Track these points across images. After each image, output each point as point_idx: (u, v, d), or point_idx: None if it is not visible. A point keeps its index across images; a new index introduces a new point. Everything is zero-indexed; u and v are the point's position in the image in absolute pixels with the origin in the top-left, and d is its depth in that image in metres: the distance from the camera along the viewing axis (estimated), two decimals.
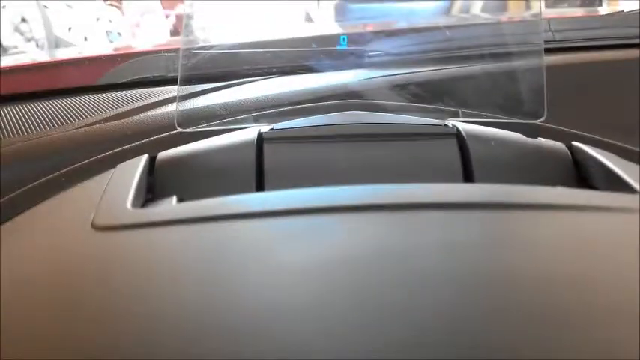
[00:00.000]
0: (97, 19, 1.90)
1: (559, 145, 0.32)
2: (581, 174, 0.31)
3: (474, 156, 0.30)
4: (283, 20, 0.57)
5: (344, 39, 0.43)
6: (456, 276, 0.18)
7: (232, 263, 0.19)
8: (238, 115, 0.39)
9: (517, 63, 0.39)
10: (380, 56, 0.47)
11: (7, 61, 0.72)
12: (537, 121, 0.35)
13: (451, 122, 0.33)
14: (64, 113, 0.44)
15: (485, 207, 0.22)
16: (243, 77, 0.48)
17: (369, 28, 0.56)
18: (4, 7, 1.74)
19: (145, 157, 0.31)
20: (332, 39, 0.46)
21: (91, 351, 0.16)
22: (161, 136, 0.38)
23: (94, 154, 0.37)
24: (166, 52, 0.55)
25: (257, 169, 0.30)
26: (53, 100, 0.47)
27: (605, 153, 0.30)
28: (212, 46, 0.46)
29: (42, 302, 0.19)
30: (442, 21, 0.58)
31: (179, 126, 0.36)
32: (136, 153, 0.33)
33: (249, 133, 0.32)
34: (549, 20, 0.56)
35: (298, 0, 0.60)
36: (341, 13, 0.62)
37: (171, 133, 0.38)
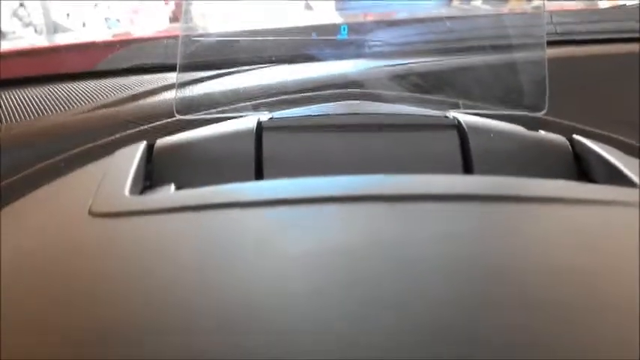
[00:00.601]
0: (95, 5, 1.89)
1: (560, 138, 0.32)
2: (582, 167, 0.31)
3: (474, 148, 0.30)
4: (283, 8, 0.57)
5: (344, 28, 0.43)
6: (454, 268, 0.17)
7: (230, 251, 0.19)
8: (238, 103, 0.39)
9: (519, 55, 0.39)
10: (380, 46, 0.47)
11: (5, 46, 0.72)
12: (538, 114, 0.35)
13: (452, 114, 0.33)
14: (62, 99, 0.44)
15: (485, 199, 0.22)
16: (242, 65, 0.48)
17: (370, 18, 0.56)
18: None
19: (143, 144, 0.31)
20: (332, 28, 0.46)
21: (86, 337, 0.16)
22: (160, 123, 0.38)
23: (92, 141, 0.37)
24: (165, 38, 0.54)
25: (256, 157, 0.30)
26: (51, 86, 0.47)
27: (606, 146, 0.30)
28: (211, 34, 0.45)
29: (39, 288, 0.19)
30: (443, 12, 0.58)
31: (178, 113, 0.36)
32: (134, 140, 0.32)
33: (248, 122, 0.31)
34: (551, 13, 0.55)
35: None
36: (342, 2, 0.62)
37: (170, 120, 0.38)
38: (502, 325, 0.15)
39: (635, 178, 0.25)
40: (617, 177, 0.27)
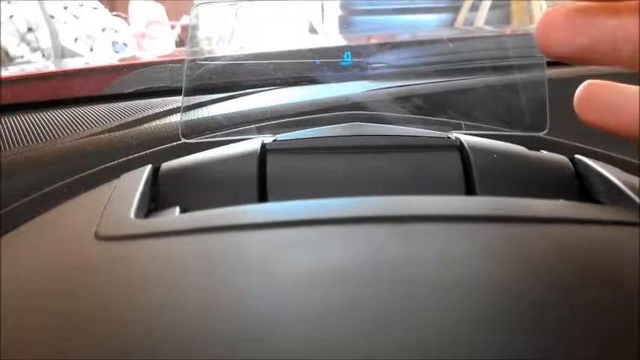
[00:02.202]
0: (103, 30, 1.92)
1: (561, 157, 0.32)
2: (584, 187, 0.31)
3: (476, 168, 0.30)
4: (287, 32, 0.57)
5: (348, 55, 0.44)
6: (458, 289, 0.18)
7: (235, 274, 0.19)
8: (242, 126, 0.39)
9: (520, 76, 0.39)
10: (383, 68, 0.48)
11: (13, 71, 0.73)
12: (540, 134, 0.35)
13: (454, 134, 0.33)
14: (68, 123, 0.45)
15: (487, 220, 0.22)
16: (247, 88, 0.48)
17: (373, 40, 0.57)
18: (10, 16, 1.76)
19: (148, 167, 0.31)
20: (336, 51, 0.46)
21: None
22: (165, 146, 0.38)
23: (98, 164, 0.37)
24: (171, 62, 0.55)
25: (260, 179, 0.30)
26: (58, 110, 0.47)
27: (608, 166, 0.30)
28: (217, 57, 0.46)
29: (45, 312, 0.19)
30: (445, 33, 0.59)
31: (183, 136, 0.37)
32: (139, 163, 0.33)
33: (252, 144, 0.32)
34: None
35: (302, 1, 0.61)
36: (345, 25, 0.62)
37: (175, 143, 0.38)
38: (506, 347, 0.15)
39: (637, 198, 0.25)
40: (620, 197, 0.27)
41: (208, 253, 0.21)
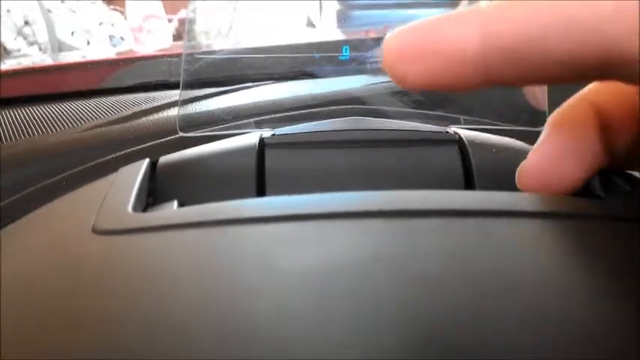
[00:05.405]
0: (100, 24, 1.91)
1: None
2: None
3: (475, 163, 0.30)
4: (285, 26, 0.57)
5: (346, 49, 0.43)
6: (456, 284, 0.17)
7: (233, 268, 0.19)
8: (240, 120, 0.39)
9: None
10: (382, 62, 0.47)
11: (10, 65, 0.72)
12: (539, 129, 0.35)
13: (453, 129, 0.33)
14: (66, 117, 0.45)
15: (487, 214, 0.22)
16: (245, 82, 0.48)
17: (372, 35, 0.56)
18: (8, 10, 1.75)
19: (146, 161, 0.31)
20: (334, 45, 0.46)
21: (91, 355, 0.16)
22: (163, 140, 0.38)
23: (96, 158, 0.37)
24: (169, 56, 0.55)
25: (258, 174, 0.30)
26: (55, 104, 0.47)
27: None
28: (214, 51, 0.46)
29: (41, 306, 0.19)
30: None
31: (181, 130, 0.36)
32: (137, 157, 0.33)
33: (250, 138, 0.32)
34: None
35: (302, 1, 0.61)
36: (343, 19, 0.62)
37: (172, 137, 0.38)
38: (509, 343, 0.15)
39: (636, 193, 0.25)
40: (618, 191, 0.27)
41: (206, 247, 0.21)
